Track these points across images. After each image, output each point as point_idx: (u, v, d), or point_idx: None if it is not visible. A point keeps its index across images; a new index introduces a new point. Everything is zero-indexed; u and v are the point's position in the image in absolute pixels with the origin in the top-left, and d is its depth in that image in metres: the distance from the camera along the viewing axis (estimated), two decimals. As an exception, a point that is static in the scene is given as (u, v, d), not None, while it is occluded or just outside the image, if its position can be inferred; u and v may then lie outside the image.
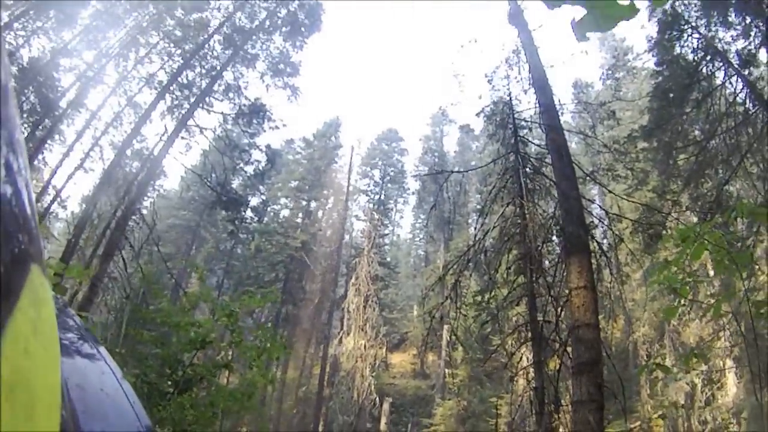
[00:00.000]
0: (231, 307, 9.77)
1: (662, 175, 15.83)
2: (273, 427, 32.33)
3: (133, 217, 21.55)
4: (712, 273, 19.76)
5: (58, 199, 25.50)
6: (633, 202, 14.50)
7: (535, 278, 12.01)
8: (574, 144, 25.51)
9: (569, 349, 10.39)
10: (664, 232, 13.97)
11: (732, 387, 22.32)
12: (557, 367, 11.09)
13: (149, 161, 22.76)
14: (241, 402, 9.58)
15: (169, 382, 9.08)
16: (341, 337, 32.93)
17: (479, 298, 14.45)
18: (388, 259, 41.29)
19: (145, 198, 24.57)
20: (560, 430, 10.94)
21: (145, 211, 23.29)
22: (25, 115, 22.63)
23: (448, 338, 33.18)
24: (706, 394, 23.60)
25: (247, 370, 11.06)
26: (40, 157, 24.90)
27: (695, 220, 14.67)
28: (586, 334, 9.12)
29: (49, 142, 24.35)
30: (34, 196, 0.48)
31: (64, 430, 0.55)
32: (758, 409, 20.54)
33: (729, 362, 22.38)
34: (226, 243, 41.15)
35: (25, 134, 24.47)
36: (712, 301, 19.26)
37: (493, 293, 13.08)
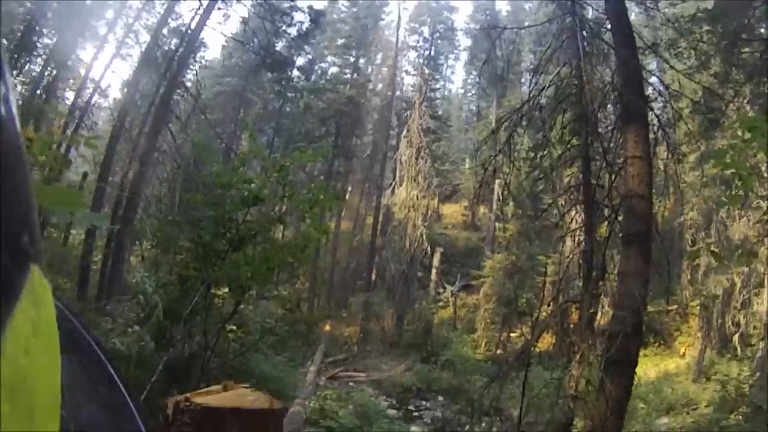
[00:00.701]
0: (281, 162, 9.81)
1: (725, 64, 14.80)
2: (327, 277, 33.49)
3: (177, 91, 21.53)
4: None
5: (99, 90, 25.58)
6: (694, 81, 13.66)
7: (591, 141, 11.66)
8: (633, 16, 23.89)
9: (620, 218, 10.31)
10: (722, 118, 13.32)
11: None
12: (606, 234, 11.00)
13: (187, 35, 22.32)
14: (295, 255, 9.71)
15: (224, 242, 9.28)
16: (393, 188, 33.06)
17: (532, 155, 14.15)
18: (440, 113, 40.44)
19: (188, 72, 24.34)
20: (603, 298, 11.06)
21: (189, 84, 23.20)
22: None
23: (500, 192, 33.16)
24: (744, 296, 23.29)
25: (301, 224, 11.29)
26: (72, 56, 24.76)
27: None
28: (639, 205, 8.96)
29: (80, 39, 24.10)
30: (34, 195, 0.47)
31: (64, 430, 0.53)
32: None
33: None
34: (274, 103, 40.79)
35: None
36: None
37: (546, 151, 12.80)
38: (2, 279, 0.39)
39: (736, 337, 23.25)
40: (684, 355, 25.33)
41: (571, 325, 11.03)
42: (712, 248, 4.65)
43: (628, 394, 8.79)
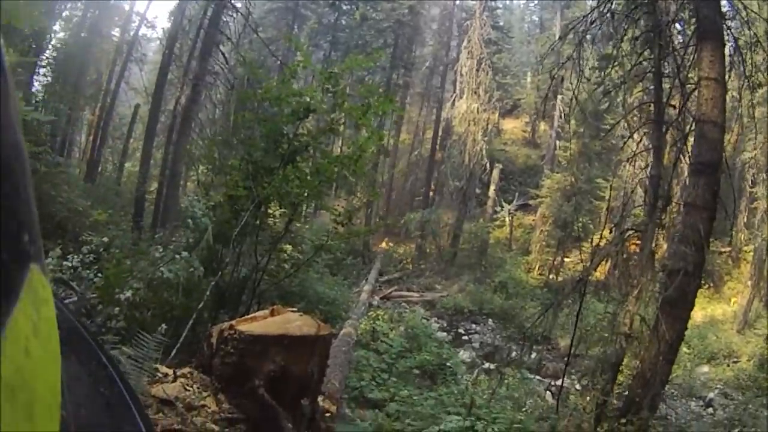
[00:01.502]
0: (331, 70, 9.55)
1: None
2: (386, 191, 33.48)
3: (226, 11, 21.06)
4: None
5: (145, 22, 25.24)
6: None
7: (663, 56, 10.86)
8: None
9: (689, 146, 9.71)
10: None
11: None
12: (674, 160, 10.41)
13: None
14: (349, 167, 9.50)
15: (275, 158, 9.15)
16: (454, 101, 32.28)
17: (600, 67, 13.35)
18: (501, 23, 38.91)
19: None
20: (665, 230, 10.56)
21: (239, 4, 22.67)
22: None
23: (562, 109, 32.21)
24: None
25: (358, 137, 11.04)
26: None
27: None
28: (711, 131, 8.36)
29: None
30: (33, 195, 0.47)
31: (64, 430, 0.53)
32: None
33: None
34: (329, 16, 39.79)
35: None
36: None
37: (616, 63, 12.03)
38: (2, 279, 0.40)
39: None
40: (732, 302, 24.57)
41: (630, 256, 10.58)
42: None
43: (681, 338, 8.52)
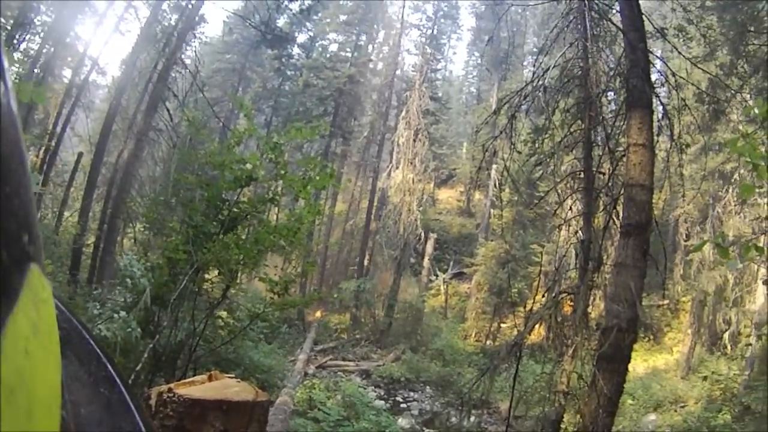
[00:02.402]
0: (275, 140, 9.61)
1: (732, 54, 14.67)
2: (320, 261, 33.41)
3: (175, 68, 21.28)
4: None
5: (96, 68, 25.36)
6: (702, 69, 13.45)
7: (593, 126, 11.47)
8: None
9: (618, 209, 10.15)
10: (727, 110, 13.19)
11: (761, 296, 21.71)
12: (604, 224, 10.86)
13: (187, 11, 22.07)
14: (288, 237, 9.53)
15: (215, 223, 9.12)
16: (390, 171, 32.90)
17: (533, 138, 13.93)
18: (440, 95, 40.14)
19: (187, 48, 24.03)
20: (597, 290, 10.92)
21: (188, 61, 22.94)
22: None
23: (497, 178, 33.07)
24: (736, 294, 23.27)
25: (295, 206, 11.11)
26: (71, 33, 24.42)
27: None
28: (639, 194, 8.76)
29: (80, 16, 23.83)
30: (34, 194, 0.47)
31: (65, 431, 0.51)
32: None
33: (763, 270, 21.89)
34: (272, 81, 40.41)
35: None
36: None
37: (548, 134, 12.59)
38: (2, 279, 0.39)
39: (726, 335, 23.35)
40: (674, 351, 25.37)
41: (565, 318, 10.86)
42: (719, 241, 4.47)
43: (620, 391, 8.61)
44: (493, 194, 34.72)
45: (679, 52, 12.23)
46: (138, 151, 19.85)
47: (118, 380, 1.02)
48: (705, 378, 21.75)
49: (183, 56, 22.49)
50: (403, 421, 18.04)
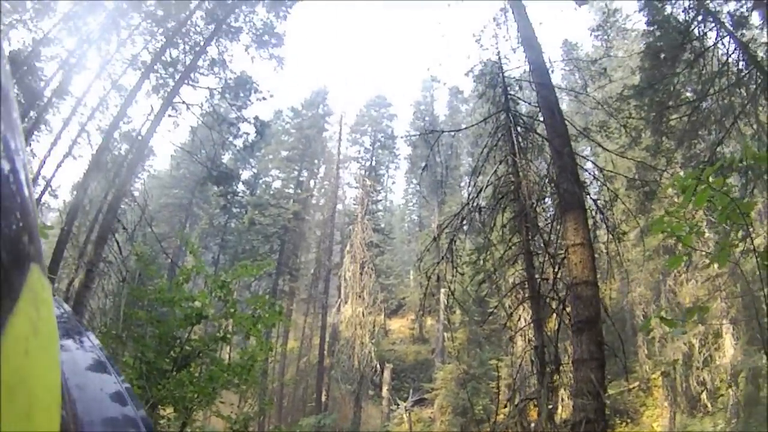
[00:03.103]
0: (223, 278, 9.68)
1: (655, 135, 15.69)
2: (276, 399, 32.50)
3: (125, 200, 21.47)
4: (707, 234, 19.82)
5: (49, 189, 25.41)
6: (627, 158, 14.31)
7: (531, 236, 11.85)
8: (565, 105, 25.23)
9: (568, 309, 10.38)
10: (659, 188, 13.94)
11: (729, 348, 22.44)
12: (556, 326, 11.01)
13: (137, 142, 22.55)
14: (241, 375, 9.52)
15: (167, 360, 9.06)
16: (339, 306, 32.99)
17: (475, 257, 14.23)
18: (382, 226, 41.13)
19: (136, 179, 24.38)
20: (561, 390, 10.93)
21: (136, 193, 23.21)
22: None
23: (446, 302, 33.21)
24: (704, 354, 23.82)
25: (247, 343, 10.96)
26: (27, 148, 24.62)
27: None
28: (585, 291, 9.05)
29: (36, 132, 24.13)
30: (34, 194, 0.48)
31: (65, 431, 0.53)
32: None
33: (725, 323, 22.57)
34: (219, 218, 40.93)
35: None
36: (708, 261, 19.36)
37: (489, 252, 12.90)
38: (2, 279, 0.39)
39: (704, 395, 23.45)
40: (654, 427, 25.19)
41: (532, 424, 10.75)
42: (662, 315, 4.66)
43: (601, 484, 8.56)
44: (444, 318, 34.84)
45: (603, 148, 12.96)
46: (88, 282, 19.41)
47: (118, 380, 1.02)
48: None
49: (132, 189, 22.58)
50: None
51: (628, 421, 25.47)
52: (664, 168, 14.39)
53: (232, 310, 9.57)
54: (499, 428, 11.48)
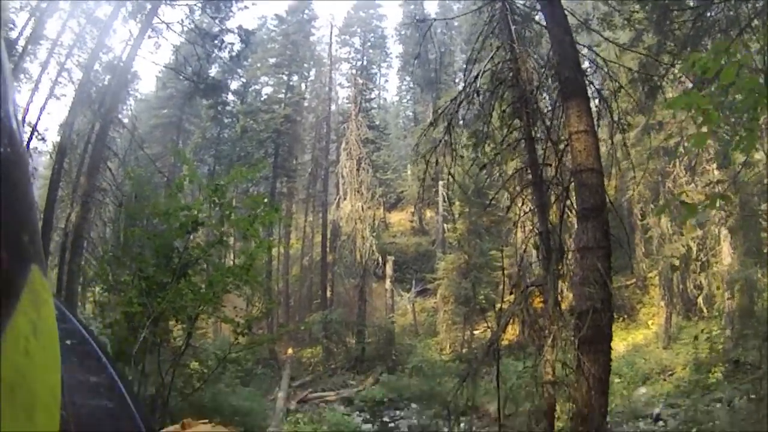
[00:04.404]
0: (217, 182, 9.60)
1: (658, 35, 14.76)
2: (282, 299, 32.91)
3: (113, 127, 20.88)
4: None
5: (36, 134, 24.76)
6: (631, 50, 13.44)
7: (532, 122, 11.33)
8: None
9: (571, 196, 10.03)
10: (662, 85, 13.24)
11: (727, 257, 22.20)
12: (560, 214, 10.68)
13: (119, 69, 21.68)
14: (240, 276, 9.45)
15: (167, 272, 8.95)
16: (338, 202, 32.82)
17: (474, 141, 13.58)
18: (377, 122, 40.35)
19: (122, 106, 23.59)
20: (566, 278, 10.71)
21: (125, 120, 22.52)
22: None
23: (444, 194, 33.09)
24: (702, 259, 23.70)
25: (247, 247, 10.86)
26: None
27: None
28: (590, 178, 8.68)
29: (15, 83, 23.11)
30: (35, 194, 0.48)
31: (65, 431, 0.55)
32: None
33: (724, 231, 22.32)
34: (211, 131, 40.04)
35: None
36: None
37: (488, 137, 12.31)
38: (2, 279, 0.39)
39: (700, 299, 23.61)
40: (650, 325, 25.52)
41: (537, 311, 10.59)
42: (681, 199, 4.29)
43: (608, 370, 8.46)
44: (444, 209, 34.80)
45: (606, 39, 12.19)
46: (85, 213, 19.30)
47: (118, 381, 1.00)
48: (688, 343, 21.89)
49: (120, 115, 22.01)
50: None
51: (625, 316, 25.67)
52: (669, 64, 13.57)
53: (227, 212, 9.48)
54: (505, 314, 11.32)
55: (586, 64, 10.33)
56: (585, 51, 9.94)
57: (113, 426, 0.93)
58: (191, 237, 9.34)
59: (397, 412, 22.11)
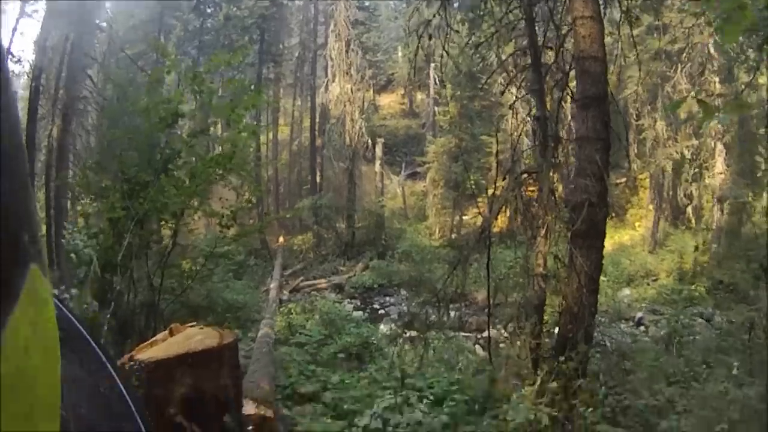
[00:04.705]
0: (195, 69, 9.33)
1: None
2: (272, 186, 32.67)
3: (89, 33, 19.77)
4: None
5: (11, 57, 23.47)
6: None
7: (534, 1, 10.48)
8: None
9: (571, 84, 9.50)
10: None
11: (720, 172, 21.91)
12: (558, 99, 10.13)
13: None
14: (224, 165, 9.16)
15: (149, 171, 8.61)
16: (327, 85, 31.67)
17: (471, 17, 12.63)
18: (367, 3, 38.62)
19: (98, 10, 22.12)
20: (561, 168, 10.33)
21: (103, 24, 21.29)
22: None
23: (435, 76, 32.23)
24: (694, 170, 23.25)
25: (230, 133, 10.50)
26: None
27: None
28: (593, 66, 8.15)
29: None
30: (35, 193, 0.46)
31: (65, 430, 0.51)
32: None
33: (720, 146, 21.78)
34: (193, 23, 38.12)
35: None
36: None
37: (487, 9, 11.46)
38: (2, 279, 0.39)
39: (689, 209, 23.54)
40: (637, 227, 25.53)
41: (530, 199, 10.21)
42: (700, 97, 3.94)
43: (599, 267, 8.34)
44: (435, 92, 34.06)
45: None
46: (66, 125, 18.75)
47: (118, 380, 0.97)
48: (674, 251, 22.02)
49: (97, 20, 20.88)
50: (384, 327, 17.85)
51: (613, 215, 25.55)
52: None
53: (208, 100, 9.05)
54: (498, 200, 10.97)
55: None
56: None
57: (113, 426, 0.87)
58: (174, 131, 8.96)
59: (387, 299, 22.25)
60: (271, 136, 34.78)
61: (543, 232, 9.09)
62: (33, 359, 0.41)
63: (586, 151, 8.10)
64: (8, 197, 0.39)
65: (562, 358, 7.50)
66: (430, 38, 11.77)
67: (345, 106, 29.85)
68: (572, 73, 9.35)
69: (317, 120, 33.76)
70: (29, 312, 0.41)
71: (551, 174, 9.44)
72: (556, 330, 8.69)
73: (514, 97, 12.99)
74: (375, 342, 14.06)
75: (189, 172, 9.18)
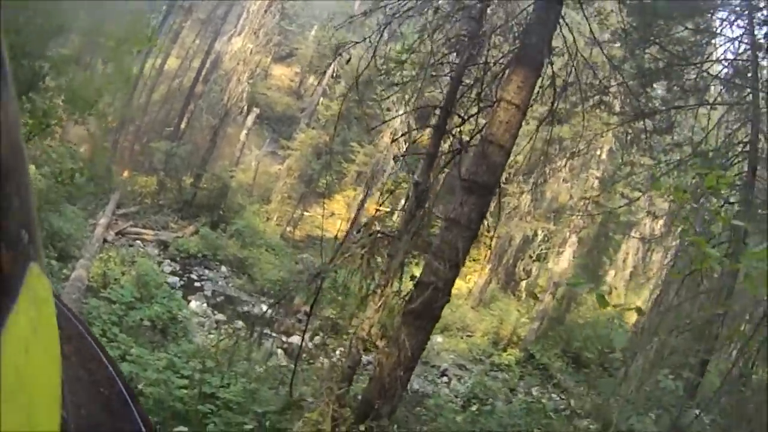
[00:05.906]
0: None
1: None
2: (140, 115, 30.08)
3: None
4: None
5: None
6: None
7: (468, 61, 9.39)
8: None
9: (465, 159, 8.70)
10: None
11: (565, 261, 22.36)
12: (443, 166, 9.28)
13: None
14: (83, 108, 8.62)
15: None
16: (231, 36, 29.74)
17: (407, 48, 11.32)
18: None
19: None
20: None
21: None
22: None
23: (336, 69, 31.10)
24: (542, 250, 23.77)
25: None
26: None
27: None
28: (495, 154, 7.65)
29: None
30: (33, 192, 0.45)
31: (65, 430, 0.50)
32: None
33: (574, 238, 22.38)
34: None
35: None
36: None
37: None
38: (2, 278, 0.39)
39: (524, 284, 23.85)
40: (468, 279, 25.52)
41: (378, 263, 9.16)
42: (601, 293, 3.33)
43: (421, 349, 7.81)
44: (328, 84, 32.76)
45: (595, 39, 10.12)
46: None
47: (118, 380, 0.97)
48: (495, 316, 22.20)
49: None
50: (194, 303, 17.12)
51: None
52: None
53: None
54: (343, 250, 9.80)
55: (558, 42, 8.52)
56: (565, 31, 8.22)
57: (113, 425, 0.85)
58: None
59: (207, 272, 20.96)
60: (159, 62, 31.86)
61: (379, 302, 8.27)
62: (33, 359, 0.40)
63: (451, 234, 7.41)
64: (8, 197, 0.39)
65: (362, 428, 7.14)
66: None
67: (238, 64, 28.08)
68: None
69: (206, 66, 31.36)
70: (29, 312, 0.40)
71: (409, 247, 8.61)
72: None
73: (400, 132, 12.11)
74: (182, 320, 13.53)
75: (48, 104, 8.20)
